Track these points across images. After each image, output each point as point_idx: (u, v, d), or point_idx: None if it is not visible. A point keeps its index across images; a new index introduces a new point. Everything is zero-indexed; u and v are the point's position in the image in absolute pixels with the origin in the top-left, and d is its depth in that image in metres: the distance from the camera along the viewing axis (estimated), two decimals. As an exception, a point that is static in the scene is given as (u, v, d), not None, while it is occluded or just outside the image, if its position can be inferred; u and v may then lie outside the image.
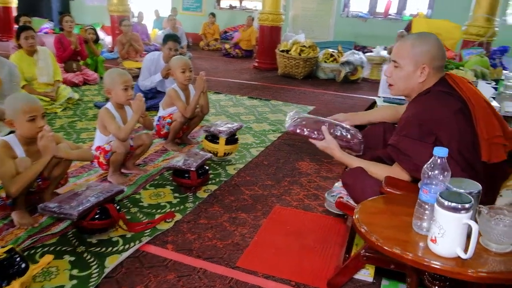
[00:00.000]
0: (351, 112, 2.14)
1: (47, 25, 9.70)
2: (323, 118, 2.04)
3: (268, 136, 3.79)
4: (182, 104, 3.17)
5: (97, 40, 6.47)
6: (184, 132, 3.40)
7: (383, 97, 2.49)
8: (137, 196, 2.54)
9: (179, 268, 1.87)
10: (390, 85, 1.75)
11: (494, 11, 5.32)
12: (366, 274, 1.72)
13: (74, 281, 1.72)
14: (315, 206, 2.51)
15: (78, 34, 5.86)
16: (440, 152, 1.11)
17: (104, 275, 1.76)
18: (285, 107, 4.90)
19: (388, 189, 1.48)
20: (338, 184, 2.41)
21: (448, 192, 1.05)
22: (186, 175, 2.56)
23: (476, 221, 1.04)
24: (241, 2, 11.10)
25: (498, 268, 0.99)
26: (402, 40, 1.69)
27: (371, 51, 7.34)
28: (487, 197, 1.41)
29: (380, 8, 9.82)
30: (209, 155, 2.69)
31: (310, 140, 1.92)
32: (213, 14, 10.25)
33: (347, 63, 6.61)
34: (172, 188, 2.65)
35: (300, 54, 6.73)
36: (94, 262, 1.85)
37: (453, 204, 1.00)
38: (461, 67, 3.15)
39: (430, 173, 1.12)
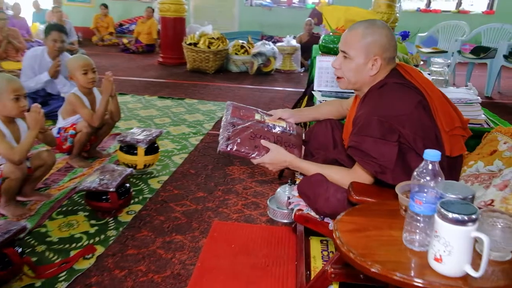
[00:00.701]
0: (297, 108, 2.02)
1: None
2: (259, 120, 1.87)
3: (190, 140, 3.54)
4: (87, 111, 2.77)
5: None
6: (92, 144, 3.00)
7: (321, 91, 2.41)
8: (43, 230, 2.14)
9: (112, 318, 1.57)
10: (338, 77, 1.64)
11: (394, -4, 5.67)
12: (330, 289, 1.61)
13: None
14: (257, 216, 2.36)
15: None
16: (432, 155, 1.01)
17: None
18: (202, 106, 4.67)
19: (358, 198, 1.37)
20: (282, 190, 2.29)
21: (449, 202, 0.96)
22: (104, 197, 2.22)
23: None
24: (135, -8, 10.50)
25: (502, 283, 0.92)
26: (351, 29, 1.59)
27: (281, 41, 7.40)
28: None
29: (284, -3, 10.02)
30: (129, 170, 2.37)
31: (253, 160, 1.72)
32: (105, 5, 9.51)
33: (259, 54, 6.58)
34: (87, 214, 2.29)
35: (209, 47, 6.51)
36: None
37: (459, 216, 0.90)
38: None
39: (421, 180, 1.02)
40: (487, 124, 2.11)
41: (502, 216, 1.03)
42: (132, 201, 2.43)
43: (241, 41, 6.98)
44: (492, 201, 1.45)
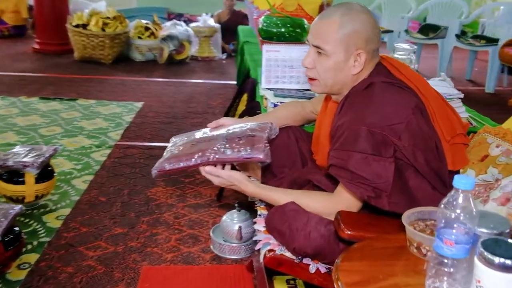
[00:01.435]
0: (227, 118, 1.91)
1: None
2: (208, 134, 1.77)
3: (93, 155, 3.29)
4: None
5: None
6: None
7: (272, 89, 2.33)
8: None
9: None
10: (311, 79, 1.57)
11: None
12: None
13: None
14: (199, 254, 2.23)
15: None
16: (464, 183, 0.97)
17: None
18: (102, 108, 4.39)
19: (350, 233, 1.31)
20: (229, 218, 2.19)
21: (491, 241, 0.92)
22: (-17, 250, 1.94)
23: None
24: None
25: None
26: (323, 16, 1.51)
27: (196, 21, 7.26)
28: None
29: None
30: (17, 207, 2.10)
31: (201, 168, 1.61)
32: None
33: (169, 38, 6.37)
34: (-43, 274, 1.99)
35: (103, 30, 6.17)
36: None
37: (509, 262, 0.87)
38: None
39: (452, 214, 0.97)
40: (470, 122, 2.19)
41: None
42: (24, 250, 2.16)
43: (144, 21, 6.72)
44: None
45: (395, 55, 2.61)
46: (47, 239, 2.29)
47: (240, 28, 5.62)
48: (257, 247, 1.53)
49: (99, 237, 2.34)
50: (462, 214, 0.97)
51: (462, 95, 2.18)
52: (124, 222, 2.47)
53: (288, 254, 1.49)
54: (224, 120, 1.87)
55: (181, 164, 1.69)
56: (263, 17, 3.05)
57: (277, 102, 2.11)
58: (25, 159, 2.45)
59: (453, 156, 1.49)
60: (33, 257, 2.14)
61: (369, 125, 1.38)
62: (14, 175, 2.45)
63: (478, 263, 0.92)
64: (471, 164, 1.81)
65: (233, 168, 1.67)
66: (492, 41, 5.83)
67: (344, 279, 1.08)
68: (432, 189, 1.42)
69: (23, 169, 2.42)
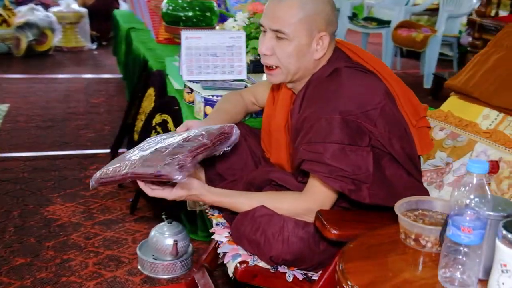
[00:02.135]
0: (194, 120, 1.84)
1: None
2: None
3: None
4: None
5: None
6: None
7: (196, 81, 2.30)
8: None
9: None
10: (271, 68, 1.58)
11: None
12: None
13: None
14: (127, 277, 2.15)
15: None
16: (477, 167, 1.06)
17: None
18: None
19: (337, 232, 1.35)
20: (159, 232, 2.14)
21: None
22: None
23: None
24: None
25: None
26: None
27: (57, 5, 6.86)
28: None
29: None
30: None
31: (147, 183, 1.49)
32: None
33: (27, 26, 5.99)
34: None
35: None
36: None
37: (536, 242, 0.97)
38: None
39: (468, 200, 1.06)
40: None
41: None
42: None
43: (-8, 6, 6.22)
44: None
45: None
46: None
47: (117, 12, 5.46)
48: (225, 261, 1.51)
49: (-3, 271, 2.14)
50: (477, 199, 1.06)
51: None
52: (24, 251, 2.29)
53: (261, 264, 1.49)
54: (190, 122, 1.75)
55: (109, 175, 1.57)
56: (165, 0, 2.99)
57: (208, 95, 2.09)
58: None
59: (419, 141, 1.61)
60: None
61: (342, 113, 1.43)
62: None
63: (502, 247, 1.01)
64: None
65: None
66: (384, 23, 6.31)
67: (355, 281, 1.12)
68: (408, 176, 1.53)
69: None
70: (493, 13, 5.01)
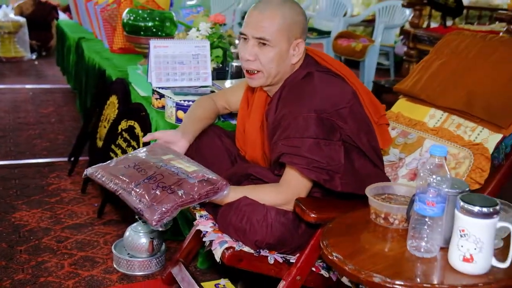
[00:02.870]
0: (167, 131, 1.97)
1: None
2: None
3: None
4: None
5: None
6: None
7: (165, 88, 2.45)
8: None
9: None
10: (252, 73, 1.77)
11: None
12: None
13: None
14: (103, 275, 2.26)
15: None
16: (439, 150, 1.29)
17: None
18: None
19: (315, 215, 1.56)
20: (134, 231, 2.27)
21: (467, 196, 1.25)
22: None
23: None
24: None
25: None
26: (261, 9, 1.71)
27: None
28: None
29: None
30: None
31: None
32: None
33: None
34: None
35: None
36: None
37: (486, 209, 1.21)
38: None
39: (432, 179, 1.29)
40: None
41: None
42: None
43: None
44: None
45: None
46: None
47: (62, 22, 5.50)
48: (213, 247, 1.68)
49: (-28, 276, 2.21)
50: (439, 178, 1.30)
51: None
52: (-2, 255, 2.36)
53: (246, 248, 1.68)
54: (161, 134, 1.90)
55: (102, 180, 1.72)
56: (127, 10, 3.12)
57: (180, 100, 2.26)
58: None
59: (380, 136, 1.84)
60: None
61: (317, 112, 1.64)
62: None
63: (460, 215, 1.25)
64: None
65: None
66: (324, 33, 6.65)
67: (339, 252, 1.33)
68: (374, 167, 1.76)
69: None
70: (425, 24, 5.42)
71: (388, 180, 1.87)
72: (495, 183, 1.78)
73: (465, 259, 1.25)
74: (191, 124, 1.94)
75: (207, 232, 1.75)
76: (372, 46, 5.65)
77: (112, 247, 2.35)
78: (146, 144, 1.98)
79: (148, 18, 3.02)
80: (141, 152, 1.79)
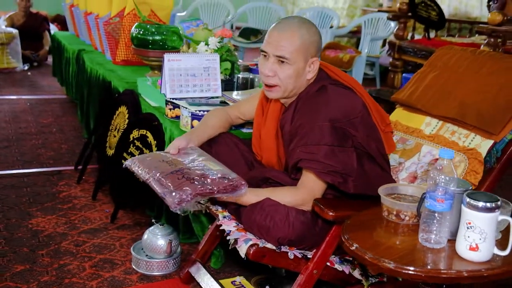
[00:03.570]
0: (187, 132, 2.18)
1: None
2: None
3: None
4: None
5: None
6: None
7: (178, 99, 2.61)
8: None
9: None
10: (271, 86, 1.95)
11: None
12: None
13: None
14: (124, 276, 2.41)
15: None
16: (447, 153, 1.49)
17: None
18: None
19: (333, 214, 1.74)
20: (152, 234, 2.42)
21: (473, 193, 1.44)
22: None
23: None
24: None
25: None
26: (281, 29, 1.90)
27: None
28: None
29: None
30: None
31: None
32: None
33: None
34: None
35: None
36: None
37: (489, 204, 1.40)
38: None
39: (441, 178, 1.47)
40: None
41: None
42: None
43: None
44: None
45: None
46: None
47: (58, 34, 5.62)
48: (238, 245, 1.85)
49: (1, 277, 2.33)
50: (448, 177, 1.49)
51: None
52: (20, 259, 2.48)
53: (268, 245, 1.85)
54: (178, 142, 2.06)
55: (138, 171, 1.94)
56: (135, 24, 3.28)
57: (195, 111, 2.42)
58: None
59: (386, 142, 2.04)
60: None
61: (331, 121, 1.84)
62: None
63: (466, 210, 1.44)
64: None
65: None
66: (311, 43, 6.86)
67: (361, 245, 1.51)
68: (382, 171, 1.95)
69: None
70: (409, 36, 5.67)
71: (394, 181, 2.05)
72: (488, 184, 1.98)
73: (471, 248, 1.44)
74: (200, 131, 2.15)
75: (231, 231, 1.91)
76: (359, 57, 5.88)
77: (131, 249, 2.50)
78: None
79: (156, 32, 3.19)
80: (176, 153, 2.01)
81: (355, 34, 7.44)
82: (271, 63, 1.92)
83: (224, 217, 2.00)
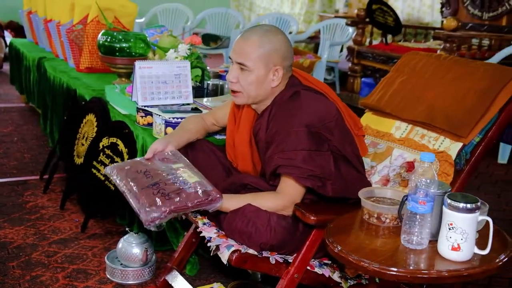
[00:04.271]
0: (166, 135, 2.16)
1: None
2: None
3: None
4: None
5: None
6: None
7: (148, 106, 2.58)
8: None
9: None
10: (235, 92, 1.96)
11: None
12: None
13: None
14: (99, 286, 2.36)
15: None
16: (427, 157, 1.52)
17: None
18: None
19: (314, 218, 1.75)
20: (127, 243, 2.38)
21: (453, 195, 1.47)
22: None
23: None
24: None
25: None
26: (244, 37, 1.92)
27: None
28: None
29: None
30: None
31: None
32: None
33: None
34: None
35: None
36: None
37: (469, 205, 1.43)
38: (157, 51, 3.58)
39: (423, 181, 1.50)
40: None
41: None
42: None
43: None
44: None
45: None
46: None
47: (16, 41, 5.46)
48: (221, 251, 1.84)
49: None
50: (428, 180, 1.52)
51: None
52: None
53: (250, 251, 1.84)
54: (155, 145, 2.03)
55: (116, 181, 1.92)
56: (102, 31, 3.22)
57: (169, 118, 2.39)
58: None
59: (359, 145, 2.07)
60: None
61: (307, 126, 1.85)
62: None
63: (448, 211, 1.47)
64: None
65: None
66: (271, 49, 6.89)
67: (345, 248, 1.53)
68: (358, 173, 1.97)
69: None
70: (367, 41, 5.78)
71: (370, 184, 2.08)
72: (458, 186, 2.03)
73: (453, 248, 1.47)
74: (179, 134, 2.14)
75: (211, 237, 1.90)
76: (319, 62, 5.95)
77: (105, 258, 2.45)
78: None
79: (123, 40, 3.14)
80: (156, 160, 1.98)
81: (313, 40, 7.51)
82: (235, 69, 1.94)
83: (204, 223, 1.99)
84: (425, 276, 1.46)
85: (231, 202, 1.86)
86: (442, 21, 5.82)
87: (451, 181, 2.03)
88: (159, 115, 2.41)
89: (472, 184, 3.79)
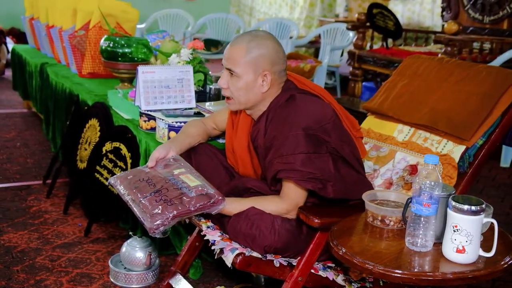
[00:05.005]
0: (167, 141, 2.16)
1: None
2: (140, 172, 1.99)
3: None
4: None
5: None
6: None
7: (151, 110, 2.58)
8: None
9: None
10: (228, 98, 1.96)
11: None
12: None
13: None
14: (102, 290, 2.35)
15: None
16: (432, 159, 1.51)
17: None
18: None
19: (318, 221, 1.74)
20: (130, 247, 2.37)
21: (458, 197, 1.47)
22: None
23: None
24: None
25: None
26: (233, 43, 1.92)
27: None
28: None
29: None
30: None
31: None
32: None
33: None
34: None
35: None
36: None
37: (474, 208, 1.43)
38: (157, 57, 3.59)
39: (427, 183, 1.50)
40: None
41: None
42: None
43: None
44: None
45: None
46: None
47: (18, 48, 5.47)
48: (225, 254, 1.83)
49: (-25, 297, 2.25)
50: (433, 182, 1.51)
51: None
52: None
53: (254, 254, 1.84)
54: (157, 153, 2.01)
55: (119, 190, 1.92)
56: (105, 37, 3.23)
57: (172, 122, 2.40)
58: None
59: (359, 148, 2.06)
60: None
61: (304, 129, 1.84)
62: None
63: (452, 213, 1.47)
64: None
65: None
66: (272, 54, 6.91)
67: (350, 251, 1.52)
68: (357, 174, 1.97)
69: None
70: (367, 46, 5.78)
71: (370, 184, 2.08)
72: (461, 189, 2.02)
73: (458, 251, 1.46)
74: (180, 138, 2.13)
75: (215, 241, 1.89)
76: (320, 67, 5.95)
77: (109, 262, 2.44)
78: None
79: (125, 45, 3.14)
80: (158, 166, 1.99)
81: (313, 44, 7.52)
82: (225, 75, 1.95)
83: (208, 227, 1.98)
84: (430, 278, 1.45)
85: (234, 206, 1.86)
86: (443, 25, 5.81)
87: (454, 184, 2.02)
88: (162, 120, 2.41)
89: (475, 187, 3.79)
